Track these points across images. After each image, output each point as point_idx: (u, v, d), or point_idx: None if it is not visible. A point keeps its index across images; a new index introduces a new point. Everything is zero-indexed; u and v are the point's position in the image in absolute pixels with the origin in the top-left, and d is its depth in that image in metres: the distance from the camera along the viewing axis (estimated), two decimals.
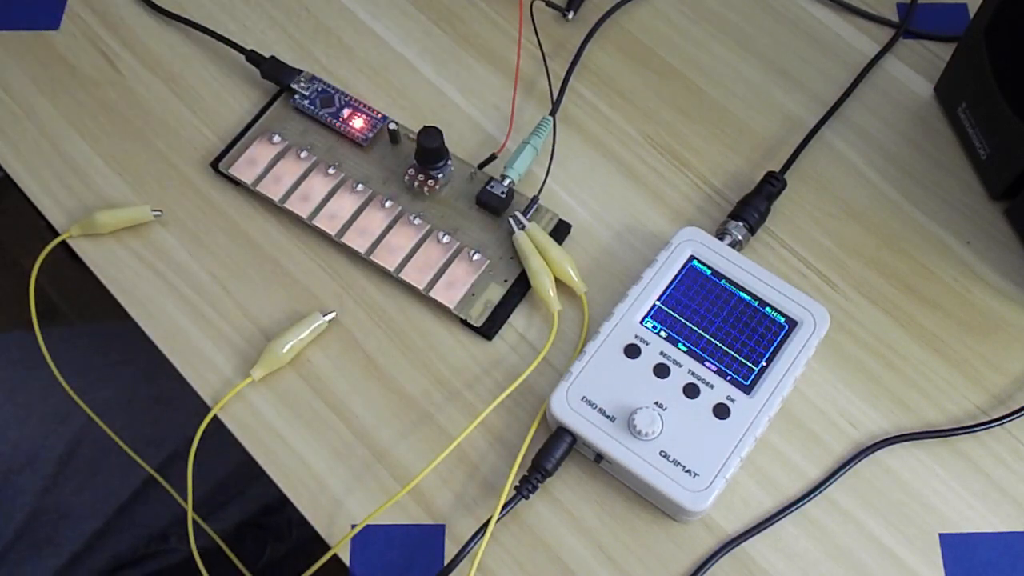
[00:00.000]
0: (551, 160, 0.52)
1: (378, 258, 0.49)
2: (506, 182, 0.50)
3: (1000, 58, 0.48)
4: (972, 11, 0.57)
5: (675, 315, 0.46)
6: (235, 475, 0.46)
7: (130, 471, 0.56)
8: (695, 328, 0.45)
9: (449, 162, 0.51)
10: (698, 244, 0.47)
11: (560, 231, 0.51)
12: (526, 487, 0.43)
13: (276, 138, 0.52)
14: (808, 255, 0.50)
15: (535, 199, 0.50)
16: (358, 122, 0.53)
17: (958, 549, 0.44)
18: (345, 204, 0.50)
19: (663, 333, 0.45)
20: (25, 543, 0.60)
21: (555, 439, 0.44)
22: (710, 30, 0.58)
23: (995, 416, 0.46)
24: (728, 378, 0.44)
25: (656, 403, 0.44)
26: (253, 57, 0.55)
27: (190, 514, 0.47)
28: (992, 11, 0.48)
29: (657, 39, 0.57)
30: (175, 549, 0.67)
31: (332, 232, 0.50)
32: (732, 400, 0.44)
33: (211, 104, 0.55)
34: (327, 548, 0.44)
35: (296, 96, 0.53)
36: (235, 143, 0.53)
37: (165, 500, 0.58)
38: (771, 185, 0.51)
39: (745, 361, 0.45)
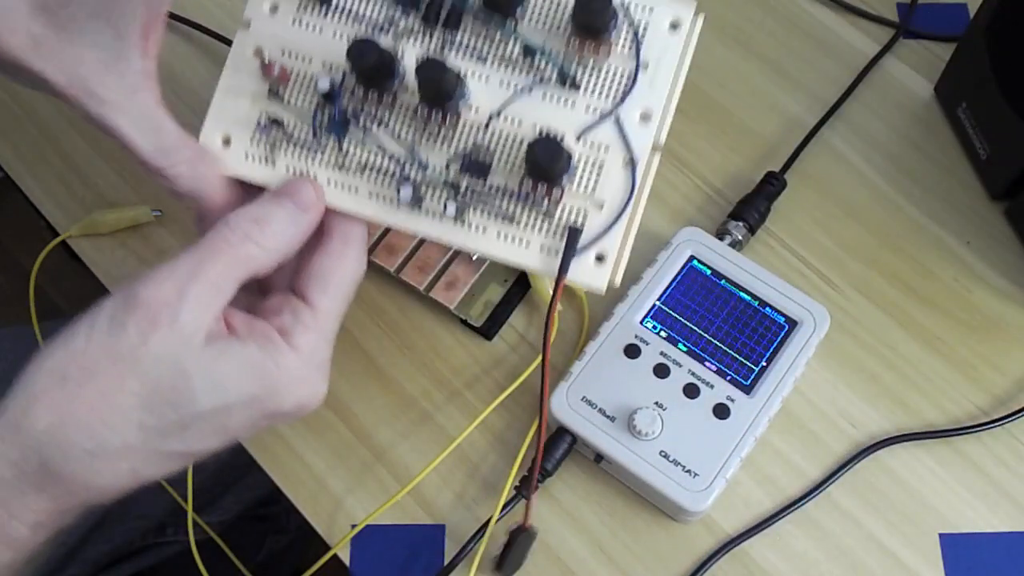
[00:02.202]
0: None
1: (378, 258, 0.49)
2: None
3: (1000, 58, 0.48)
4: (972, 11, 0.57)
5: (675, 315, 0.46)
6: (231, 464, 0.46)
7: None
8: (695, 328, 0.45)
9: None
10: (698, 244, 0.47)
11: None
12: (526, 487, 0.43)
13: None
14: (808, 255, 0.50)
15: None
16: None
17: (958, 549, 0.44)
18: None
19: (663, 333, 0.45)
20: None
21: (555, 439, 0.44)
22: (710, 30, 0.58)
23: (995, 416, 0.46)
24: (728, 378, 0.44)
25: (656, 403, 0.44)
26: None
27: (190, 515, 0.47)
28: (992, 11, 0.48)
29: None
30: (173, 541, 0.66)
31: None
32: (732, 400, 0.44)
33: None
34: (327, 544, 0.44)
35: None
36: None
37: (162, 490, 0.58)
38: (771, 185, 0.51)
39: (745, 361, 0.45)
